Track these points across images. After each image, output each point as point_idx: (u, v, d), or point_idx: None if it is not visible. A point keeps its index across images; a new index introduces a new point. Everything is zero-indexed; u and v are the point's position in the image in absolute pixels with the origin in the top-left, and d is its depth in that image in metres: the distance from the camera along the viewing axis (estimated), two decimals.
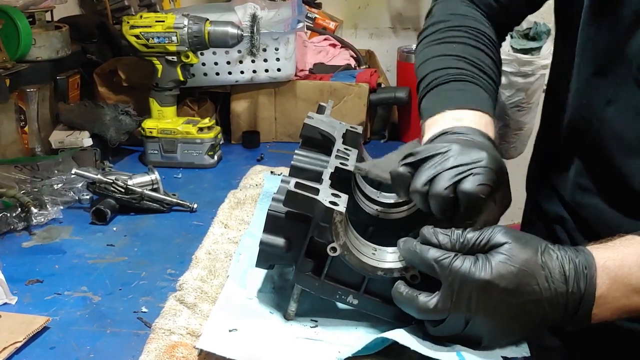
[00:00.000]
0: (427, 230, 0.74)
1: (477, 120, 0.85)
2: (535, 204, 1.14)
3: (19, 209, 1.17)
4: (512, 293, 0.69)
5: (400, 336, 0.74)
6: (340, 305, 0.86)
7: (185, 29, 1.43)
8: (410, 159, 0.77)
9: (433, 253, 0.72)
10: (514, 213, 1.27)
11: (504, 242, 0.71)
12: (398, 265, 0.77)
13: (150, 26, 1.44)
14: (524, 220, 1.22)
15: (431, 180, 0.74)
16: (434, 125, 0.87)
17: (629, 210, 0.91)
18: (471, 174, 0.72)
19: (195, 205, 1.26)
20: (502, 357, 0.75)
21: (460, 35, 0.97)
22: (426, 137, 0.88)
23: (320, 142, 0.98)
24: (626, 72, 0.87)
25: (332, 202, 0.75)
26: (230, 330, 0.79)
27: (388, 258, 0.79)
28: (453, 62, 0.94)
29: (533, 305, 0.70)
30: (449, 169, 0.73)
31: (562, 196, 1.03)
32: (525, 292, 0.69)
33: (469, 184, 0.72)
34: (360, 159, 0.98)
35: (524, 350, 0.76)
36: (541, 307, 0.70)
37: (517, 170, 1.16)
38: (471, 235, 0.72)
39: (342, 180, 0.86)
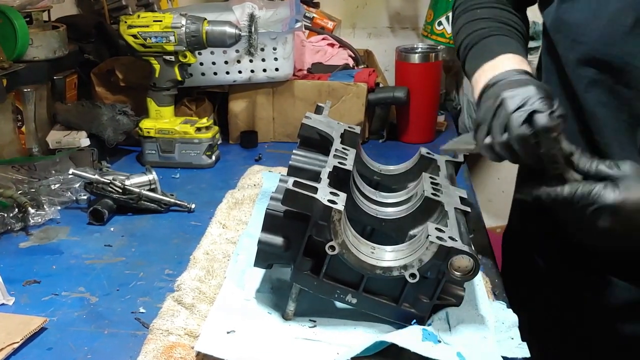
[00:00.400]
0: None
1: (511, 62, 0.92)
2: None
3: (16, 210, 1.16)
4: None
5: (400, 338, 0.74)
6: (339, 304, 0.86)
7: (183, 28, 1.42)
8: (484, 127, 0.86)
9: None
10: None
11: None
12: (397, 263, 0.77)
13: (147, 26, 1.43)
14: (512, 213, 1.23)
15: (505, 129, 0.82)
16: (477, 85, 0.95)
17: None
18: (534, 110, 0.79)
19: (193, 206, 1.26)
20: (502, 357, 0.75)
21: (483, 2, 1.07)
22: (475, 96, 0.94)
23: (318, 142, 0.98)
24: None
25: (330, 201, 0.75)
26: (228, 332, 0.79)
27: (387, 257, 0.79)
28: (481, 23, 1.03)
29: None
30: (513, 112, 0.81)
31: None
32: None
33: (542, 119, 0.79)
34: (358, 159, 0.98)
35: (523, 350, 0.76)
36: None
37: (515, 168, 1.16)
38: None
39: (341, 180, 0.86)
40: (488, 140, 0.85)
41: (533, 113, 0.80)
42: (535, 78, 0.89)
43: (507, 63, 0.92)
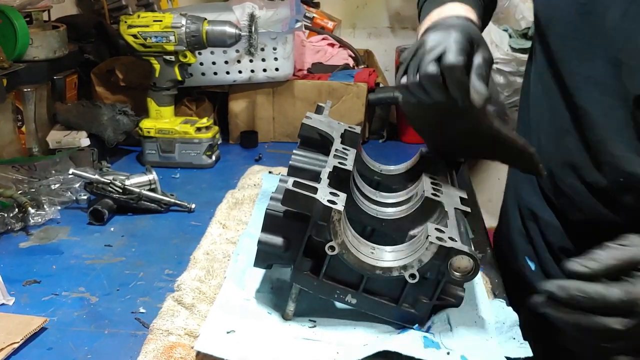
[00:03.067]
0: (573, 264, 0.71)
1: (455, 10, 0.94)
2: (514, 196, 1.18)
3: (16, 210, 1.16)
4: None
5: (402, 347, 0.74)
6: (338, 305, 0.85)
7: (183, 28, 1.42)
8: (403, 66, 0.85)
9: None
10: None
11: None
12: (396, 264, 0.77)
13: (147, 26, 1.43)
14: (502, 213, 1.24)
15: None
16: (420, 30, 0.97)
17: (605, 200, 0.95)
18: (445, 50, 0.80)
19: (193, 206, 1.26)
20: (505, 357, 0.75)
21: None
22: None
23: (318, 142, 0.97)
24: None
25: (330, 201, 0.75)
26: (228, 332, 0.79)
27: (386, 257, 0.79)
28: None
29: None
30: (428, 53, 0.81)
31: (542, 188, 1.07)
32: None
33: (448, 58, 0.79)
34: (358, 159, 0.98)
35: (526, 350, 0.76)
36: None
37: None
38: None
39: (341, 180, 0.86)
40: (404, 80, 0.85)
41: (445, 54, 0.80)
42: (475, 25, 0.91)
43: (451, 9, 0.95)
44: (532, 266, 1.12)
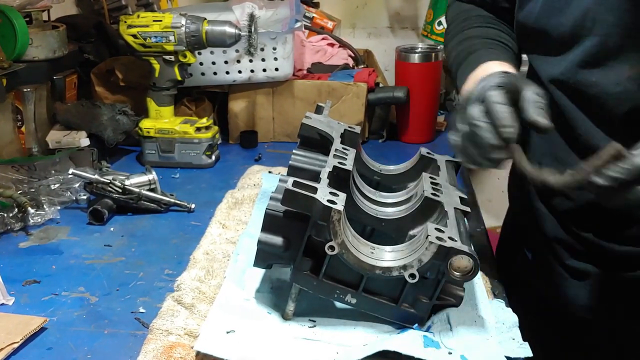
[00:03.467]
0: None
1: (493, 67, 0.91)
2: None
3: (16, 210, 1.16)
4: None
5: (402, 346, 0.74)
6: (338, 304, 0.86)
7: (183, 28, 1.42)
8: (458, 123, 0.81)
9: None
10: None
11: None
12: (396, 263, 0.77)
13: (147, 26, 1.43)
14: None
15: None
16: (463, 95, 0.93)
17: None
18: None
19: (193, 206, 1.26)
20: (505, 357, 0.75)
21: (470, 23, 1.07)
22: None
23: (318, 142, 0.98)
24: None
25: (330, 201, 0.75)
26: (227, 332, 0.79)
27: (386, 257, 0.79)
28: (468, 42, 1.03)
29: None
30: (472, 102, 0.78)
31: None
32: None
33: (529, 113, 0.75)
34: (358, 159, 0.98)
35: (526, 350, 0.76)
36: None
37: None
38: None
39: (341, 180, 0.86)
40: (453, 137, 0.82)
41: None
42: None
43: (489, 67, 0.92)
44: (529, 256, 1.13)
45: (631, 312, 1.02)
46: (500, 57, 0.95)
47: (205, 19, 1.44)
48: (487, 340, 0.78)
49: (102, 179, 1.22)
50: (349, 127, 1.01)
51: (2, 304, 0.93)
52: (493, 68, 0.90)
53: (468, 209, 0.89)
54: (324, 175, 0.81)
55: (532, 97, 0.76)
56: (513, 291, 1.00)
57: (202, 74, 1.62)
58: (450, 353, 0.74)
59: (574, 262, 1.03)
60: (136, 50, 1.46)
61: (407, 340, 0.76)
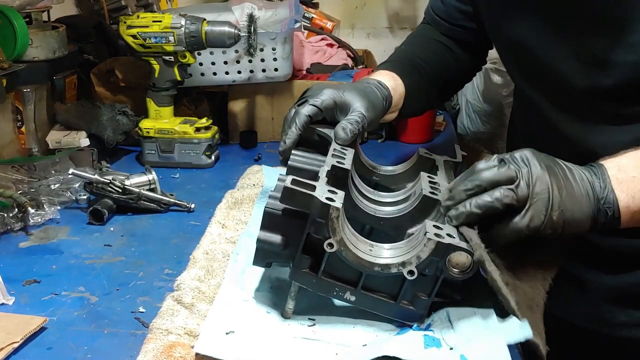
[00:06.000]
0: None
1: (379, 76, 1.10)
2: None
3: (16, 209, 1.16)
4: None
5: (402, 351, 0.73)
6: (338, 302, 0.86)
7: (183, 28, 1.43)
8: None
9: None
10: None
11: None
12: (395, 260, 0.77)
13: (147, 26, 1.44)
14: None
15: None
16: None
17: None
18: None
19: (193, 205, 1.26)
20: (507, 345, 0.73)
21: (407, 41, 1.30)
22: None
23: (317, 143, 0.98)
24: None
25: (328, 198, 0.75)
26: (227, 333, 0.79)
27: (385, 254, 0.79)
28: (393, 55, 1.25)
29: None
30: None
31: None
32: None
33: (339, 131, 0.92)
34: (356, 159, 0.98)
35: (526, 330, 0.74)
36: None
37: None
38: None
39: (339, 179, 0.86)
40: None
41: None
42: (383, 87, 1.05)
43: (377, 75, 1.10)
44: None
45: (629, 322, 1.02)
46: (395, 70, 1.14)
47: (205, 19, 1.44)
48: (487, 330, 0.77)
49: (102, 179, 1.22)
50: None
51: (2, 304, 0.93)
52: (379, 76, 1.10)
53: None
54: (322, 174, 0.82)
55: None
56: None
57: (202, 74, 1.63)
58: (451, 349, 0.74)
59: (570, 267, 1.02)
60: (136, 50, 1.47)
61: (407, 343, 0.76)
